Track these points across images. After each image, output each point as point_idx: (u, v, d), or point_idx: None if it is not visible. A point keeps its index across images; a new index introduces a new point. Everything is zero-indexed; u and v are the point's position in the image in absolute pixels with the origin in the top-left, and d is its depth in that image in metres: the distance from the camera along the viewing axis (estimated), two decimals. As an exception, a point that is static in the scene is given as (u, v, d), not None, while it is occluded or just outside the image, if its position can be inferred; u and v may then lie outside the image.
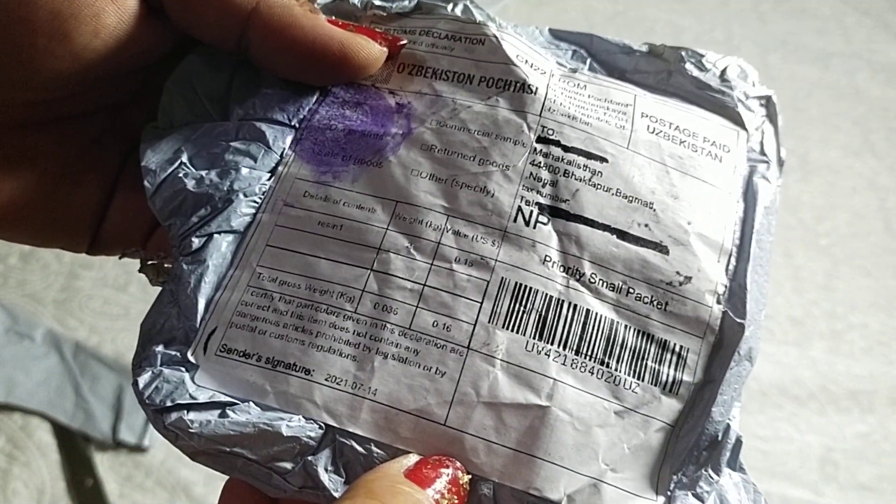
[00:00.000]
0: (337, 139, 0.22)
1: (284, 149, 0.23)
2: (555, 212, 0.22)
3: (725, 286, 0.22)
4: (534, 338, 0.21)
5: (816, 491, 0.73)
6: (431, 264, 0.21)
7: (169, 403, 0.20)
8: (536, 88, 0.23)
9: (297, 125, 0.23)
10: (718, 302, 0.22)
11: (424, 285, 0.21)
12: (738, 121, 0.25)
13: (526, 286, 0.21)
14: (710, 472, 0.20)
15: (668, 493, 0.20)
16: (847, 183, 1.00)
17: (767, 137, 0.25)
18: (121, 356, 0.72)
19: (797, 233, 0.94)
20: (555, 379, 0.20)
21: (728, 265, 0.22)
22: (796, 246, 0.92)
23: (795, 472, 0.74)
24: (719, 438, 0.21)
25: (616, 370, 0.21)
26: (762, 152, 0.25)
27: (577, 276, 0.21)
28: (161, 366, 0.20)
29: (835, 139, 1.05)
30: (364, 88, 0.23)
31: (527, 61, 0.24)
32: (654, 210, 0.22)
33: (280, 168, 0.22)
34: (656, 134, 0.23)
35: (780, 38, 1.19)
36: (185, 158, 0.22)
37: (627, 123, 0.23)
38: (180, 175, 0.22)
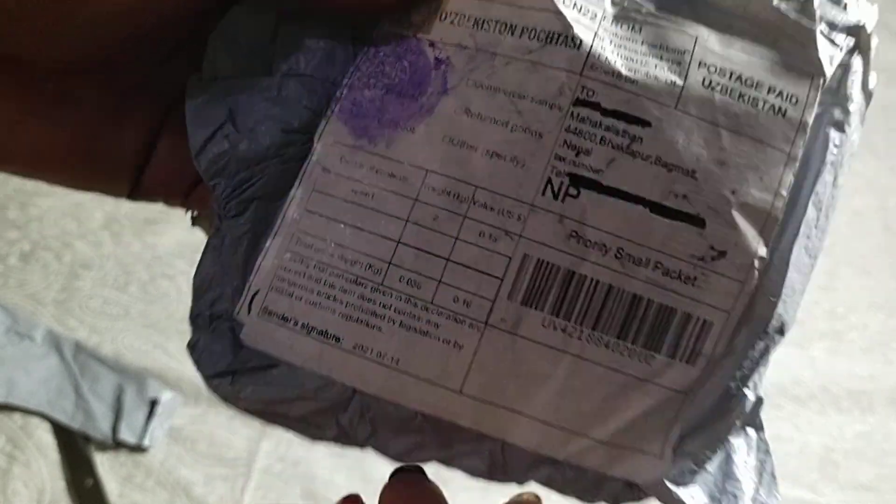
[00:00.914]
0: (374, 99, 0.22)
1: (324, 109, 0.22)
2: (586, 183, 0.21)
3: (764, 259, 0.21)
4: (552, 314, 0.21)
5: (816, 491, 0.73)
6: (456, 238, 0.21)
7: (218, 370, 0.21)
8: (580, 42, 0.21)
9: (337, 83, 0.22)
10: (753, 277, 0.21)
11: (448, 260, 0.21)
12: (814, 63, 0.22)
13: (549, 263, 0.21)
14: (719, 438, 0.21)
15: (676, 454, 0.21)
16: (847, 183, 1.00)
17: (852, 75, 0.22)
18: (121, 356, 0.72)
19: (797, 233, 0.94)
20: (572, 353, 0.21)
21: (771, 237, 0.21)
22: (796, 246, 0.92)
23: (796, 472, 0.74)
24: (733, 407, 0.21)
25: (634, 343, 0.21)
26: (841, 93, 0.23)
27: (603, 252, 0.21)
28: (211, 325, 0.22)
29: (835, 139, 1.04)
30: (405, 40, 0.22)
31: (574, 5, 0.21)
32: (696, 179, 0.21)
33: (319, 129, 0.22)
34: (712, 88, 0.21)
35: (779, 38, 1.19)
36: (228, 119, 0.22)
37: (680, 78, 0.21)
38: (223, 137, 0.22)
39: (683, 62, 0.21)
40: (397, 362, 0.21)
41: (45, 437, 0.68)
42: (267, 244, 0.22)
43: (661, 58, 0.21)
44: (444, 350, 0.21)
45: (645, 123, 0.21)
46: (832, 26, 0.22)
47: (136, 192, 0.25)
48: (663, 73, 0.21)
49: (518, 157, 0.21)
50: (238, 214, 0.22)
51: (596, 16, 0.21)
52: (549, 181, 0.21)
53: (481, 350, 0.21)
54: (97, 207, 0.83)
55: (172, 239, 0.80)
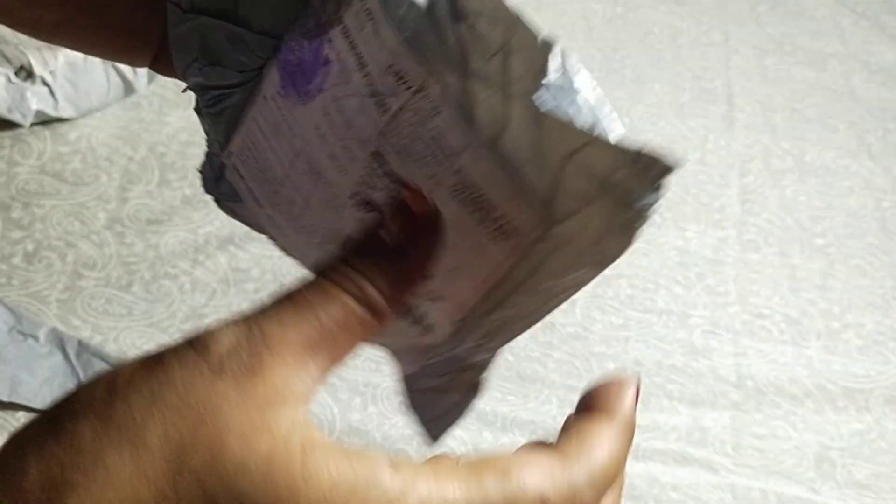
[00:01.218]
0: (293, 65, 0.26)
1: (270, 55, 0.27)
2: (373, 206, 0.27)
3: (461, 319, 0.27)
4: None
5: (813, 489, 0.73)
6: (313, 191, 0.29)
7: (209, 192, 0.33)
8: (388, 109, 0.24)
9: (280, 37, 0.26)
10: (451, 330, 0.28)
11: (308, 201, 0.29)
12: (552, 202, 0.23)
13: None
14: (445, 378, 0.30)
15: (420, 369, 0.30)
16: (843, 184, 1.01)
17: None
18: (124, 355, 0.73)
19: (794, 233, 0.94)
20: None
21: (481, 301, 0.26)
22: (793, 246, 0.93)
23: (792, 471, 0.74)
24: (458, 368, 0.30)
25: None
26: None
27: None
28: (209, 158, 0.32)
29: (831, 140, 1.05)
30: (320, 25, 0.25)
31: (399, 72, 0.23)
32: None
33: (266, 70, 0.28)
34: (457, 194, 0.23)
35: (776, 40, 1.20)
36: (200, 53, 0.28)
37: (440, 173, 0.24)
38: (198, 69, 0.29)
39: (447, 161, 0.24)
40: (288, 234, 0.32)
41: (49, 435, 0.68)
42: (236, 133, 0.30)
43: (434, 152, 0.24)
44: (307, 238, 0.31)
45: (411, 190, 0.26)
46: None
47: (155, 66, 0.31)
48: (428, 166, 0.24)
49: (344, 167, 0.27)
50: (217, 115, 0.30)
51: (409, 89, 0.23)
52: (355, 193, 0.27)
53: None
54: (100, 208, 0.83)
55: (175, 239, 0.81)
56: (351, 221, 0.28)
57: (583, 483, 0.19)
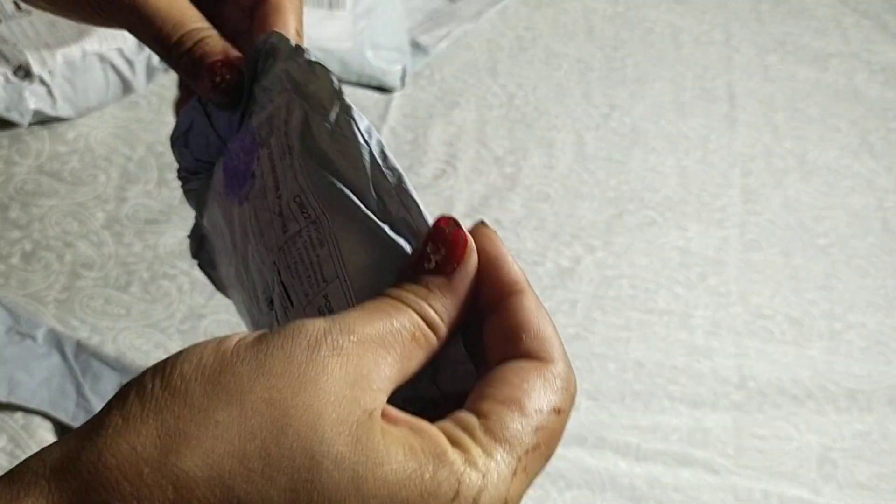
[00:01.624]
0: (230, 169, 0.31)
1: (220, 156, 0.33)
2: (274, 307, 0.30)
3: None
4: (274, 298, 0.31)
5: (815, 490, 0.73)
6: (242, 284, 0.33)
7: (198, 261, 0.37)
8: (287, 230, 0.29)
9: (226, 142, 0.32)
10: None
11: (242, 285, 0.33)
12: None
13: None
14: None
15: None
16: (845, 183, 1.00)
17: None
18: (122, 355, 0.73)
19: (796, 233, 0.94)
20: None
21: None
22: (795, 246, 0.93)
23: (794, 472, 0.74)
24: None
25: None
26: None
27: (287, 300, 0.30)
28: (195, 229, 0.37)
29: (833, 139, 1.05)
30: (254, 143, 0.30)
31: (301, 203, 0.28)
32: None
33: (215, 164, 0.33)
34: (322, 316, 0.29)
35: (778, 39, 1.20)
36: (184, 141, 0.34)
37: (313, 291, 0.28)
38: (179, 150, 0.34)
39: (318, 288, 0.28)
40: (239, 305, 0.35)
41: (47, 436, 0.68)
42: (205, 210, 0.35)
43: (313, 275, 0.28)
44: (247, 316, 0.34)
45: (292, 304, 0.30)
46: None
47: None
48: (308, 285, 0.28)
49: (260, 268, 0.30)
50: (188, 193, 0.36)
51: (308, 218, 0.28)
52: (266, 290, 0.30)
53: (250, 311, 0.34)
54: (99, 208, 0.83)
55: (173, 239, 0.81)
56: (266, 316, 0.30)
57: (563, 371, 0.22)
